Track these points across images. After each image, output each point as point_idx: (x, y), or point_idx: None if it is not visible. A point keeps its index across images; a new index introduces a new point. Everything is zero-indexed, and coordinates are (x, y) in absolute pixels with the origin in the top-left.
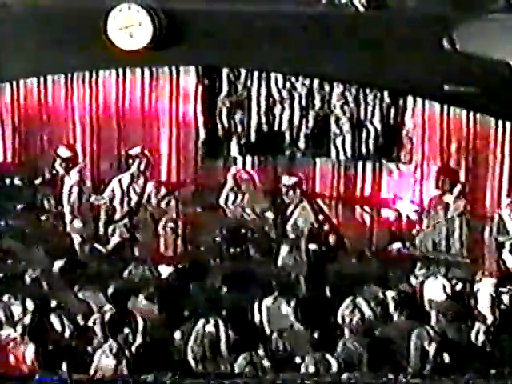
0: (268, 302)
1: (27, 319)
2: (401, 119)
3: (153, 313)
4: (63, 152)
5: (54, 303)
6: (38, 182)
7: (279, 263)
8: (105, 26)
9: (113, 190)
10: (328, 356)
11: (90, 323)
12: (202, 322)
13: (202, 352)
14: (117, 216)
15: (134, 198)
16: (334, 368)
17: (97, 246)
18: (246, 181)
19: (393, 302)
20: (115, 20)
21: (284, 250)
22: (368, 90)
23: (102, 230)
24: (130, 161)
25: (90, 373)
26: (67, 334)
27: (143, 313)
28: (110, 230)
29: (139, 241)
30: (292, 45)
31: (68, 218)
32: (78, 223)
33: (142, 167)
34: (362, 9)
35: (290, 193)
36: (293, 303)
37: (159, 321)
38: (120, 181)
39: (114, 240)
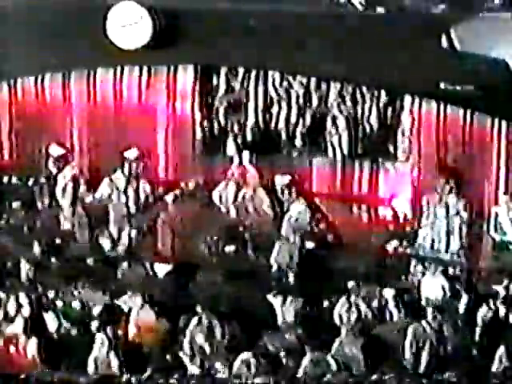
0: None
1: (25, 315)
2: (398, 118)
3: (149, 311)
4: (55, 150)
5: (50, 300)
6: (32, 180)
7: (272, 260)
8: (104, 25)
9: (108, 191)
10: (325, 356)
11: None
12: (196, 319)
13: (197, 350)
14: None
15: (133, 199)
16: (332, 367)
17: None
18: (245, 178)
19: (390, 300)
20: (114, 18)
21: (277, 247)
22: (365, 89)
23: (108, 233)
24: (126, 164)
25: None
26: (63, 330)
27: (139, 311)
28: (114, 231)
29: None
30: (290, 44)
31: (63, 216)
32: (72, 221)
33: (140, 170)
34: (360, 7)
35: (286, 191)
36: (289, 302)
37: (155, 319)
38: (114, 181)
39: (124, 241)
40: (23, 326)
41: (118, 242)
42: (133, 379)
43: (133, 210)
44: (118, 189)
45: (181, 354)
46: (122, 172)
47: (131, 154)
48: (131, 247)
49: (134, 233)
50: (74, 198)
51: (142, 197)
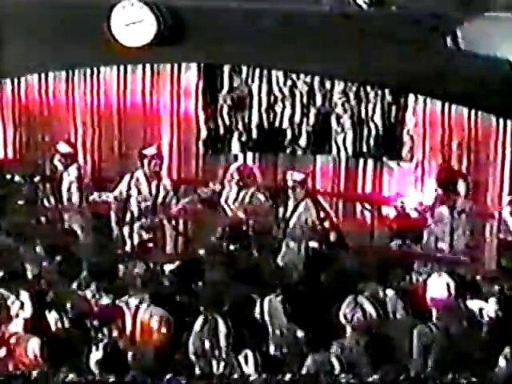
0: (269, 300)
1: (27, 314)
2: (402, 117)
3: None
4: (63, 147)
5: (53, 299)
6: (37, 178)
7: (279, 260)
8: (108, 23)
9: (126, 188)
10: (329, 355)
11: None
12: (201, 319)
13: (201, 350)
14: (132, 215)
15: (148, 198)
16: (336, 368)
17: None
18: (248, 177)
19: (394, 300)
20: (118, 16)
21: (285, 247)
22: (369, 88)
23: (115, 230)
24: (146, 160)
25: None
26: (66, 329)
27: (144, 310)
28: (126, 230)
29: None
30: (293, 42)
31: (67, 214)
32: (78, 220)
33: (157, 167)
34: (364, 6)
35: (298, 189)
36: (292, 302)
37: (160, 318)
38: (132, 179)
39: (134, 241)
40: (24, 324)
41: (126, 240)
42: (137, 379)
43: (149, 207)
44: (137, 186)
45: (186, 353)
46: (142, 169)
47: (150, 151)
48: (136, 246)
49: (141, 232)
50: (80, 196)
51: (162, 194)
